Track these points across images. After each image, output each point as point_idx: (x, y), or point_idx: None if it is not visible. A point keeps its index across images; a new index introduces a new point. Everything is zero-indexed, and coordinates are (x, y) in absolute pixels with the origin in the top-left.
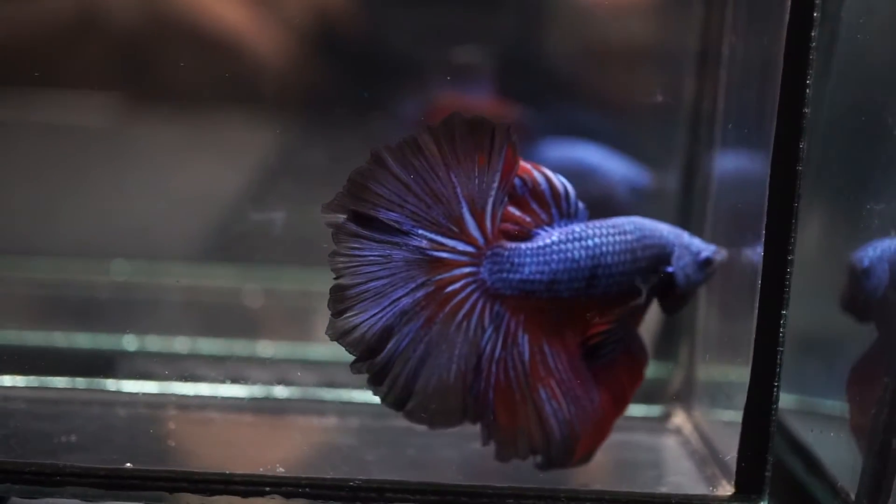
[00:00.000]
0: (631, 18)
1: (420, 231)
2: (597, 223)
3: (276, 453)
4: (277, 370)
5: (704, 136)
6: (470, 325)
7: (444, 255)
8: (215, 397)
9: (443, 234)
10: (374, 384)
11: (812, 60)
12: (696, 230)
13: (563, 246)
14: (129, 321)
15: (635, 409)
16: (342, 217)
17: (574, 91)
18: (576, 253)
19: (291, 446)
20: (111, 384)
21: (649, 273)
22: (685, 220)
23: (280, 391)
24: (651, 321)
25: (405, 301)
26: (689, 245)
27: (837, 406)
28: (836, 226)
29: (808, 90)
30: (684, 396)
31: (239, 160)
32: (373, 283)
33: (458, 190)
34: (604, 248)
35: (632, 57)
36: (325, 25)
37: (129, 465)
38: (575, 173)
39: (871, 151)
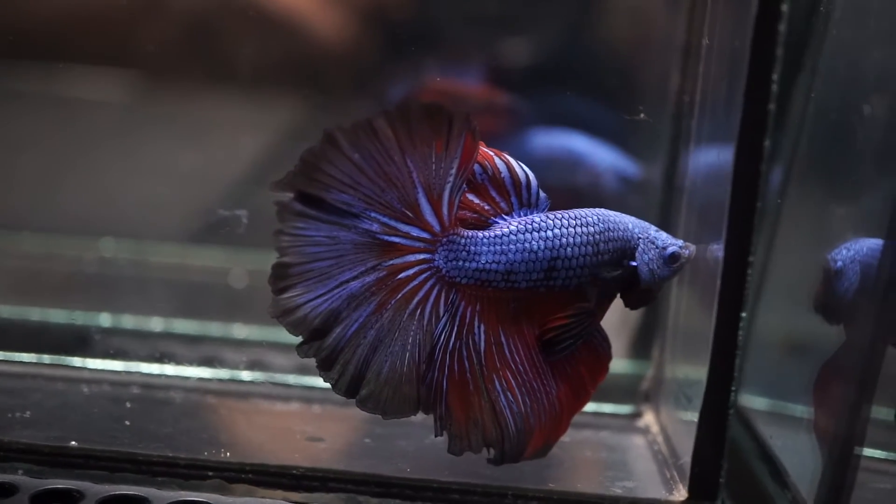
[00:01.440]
0: (618, 12)
1: (372, 214)
2: (558, 214)
3: (229, 437)
4: (250, 353)
5: (684, 130)
6: (424, 313)
7: (397, 239)
8: (182, 378)
9: (396, 219)
10: (324, 369)
11: (778, 56)
12: (674, 223)
13: (520, 236)
14: (107, 300)
15: (605, 407)
16: (289, 195)
17: (563, 82)
18: (534, 244)
19: (246, 431)
20: (77, 361)
21: (612, 266)
22: (666, 213)
23: (246, 375)
24: (631, 317)
25: (354, 285)
26: (655, 240)
27: (806, 412)
28: (818, 228)
29: (773, 86)
30: (653, 396)
31: (241, 141)
32: (318, 264)
33: (414, 175)
34: (564, 240)
35: (619, 48)
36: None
37: (73, 443)
38: (563, 161)
39: (853, 150)
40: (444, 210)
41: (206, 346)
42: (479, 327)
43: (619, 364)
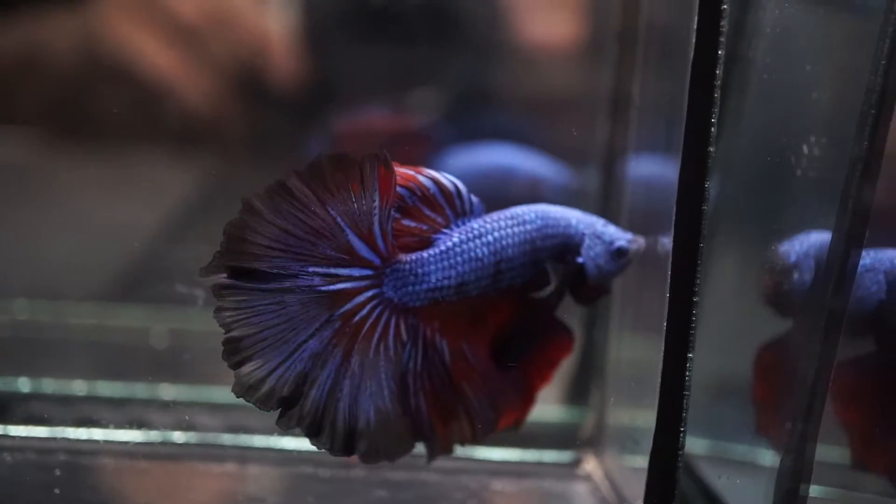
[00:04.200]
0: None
1: (310, 269)
2: (494, 216)
3: (167, 502)
4: (178, 414)
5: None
6: (388, 346)
7: (341, 285)
8: (110, 442)
9: (334, 266)
10: (313, 436)
11: (716, 99)
12: None
13: (465, 246)
14: (25, 363)
15: (546, 455)
16: (222, 276)
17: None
18: (478, 251)
19: (185, 495)
20: None
21: (555, 262)
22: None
23: (178, 436)
24: (564, 364)
25: (312, 343)
26: (601, 234)
27: (748, 452)
28: (747, 267)
29: (712, 128)
30: (596, 442)
31: (155, 198)
32: (269, 331)
33: (339, 220)
34: (504, 242)
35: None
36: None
37: None
38: (494, 176)
39: (779, 190)
40: (380, 242)
41: (133, 408)
42: (441, 343)
43: (557, 411)
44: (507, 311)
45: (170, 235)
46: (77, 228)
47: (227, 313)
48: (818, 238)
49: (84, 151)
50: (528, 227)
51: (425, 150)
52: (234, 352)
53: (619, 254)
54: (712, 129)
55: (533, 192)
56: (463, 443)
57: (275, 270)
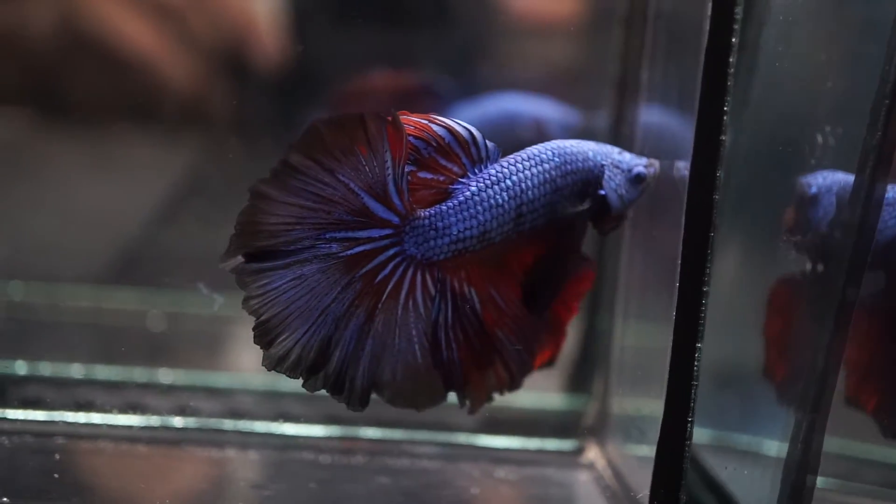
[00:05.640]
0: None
1: (327, 236)
2: (511, 159)
3: (169, 488)
4: (178, 398)
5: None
6: (417, 302)
7: (360, 248)
8: (109, 426)
9: (352, 230)
10: (335, 392)
11: (729, 87)
12: None
13: (483, 194)
14: (22, 346)
15: (548, 444)
16: (240, 260)
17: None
18: (498, 197)
19: (186, 481)
20: None
21: (578, 198)
22: None
23: (178, 421)
24: (566, 352)
25: (335, 307)
26: (619, 163)
27: (753, 442)
28: (752, 257)
29: (724, 118)
30: (598, 430)
31: (147, 180)
32: (295, 305)
33: (352, 185)
34: (523, 185)
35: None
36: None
37: (5, 499)
38: (502, 124)
39: (788, 181)
40: (396, 200)
41: (131, 392)
42: (470, 292)
43: (559, 399)
44: (532, 252)
45: (161, 218)
46: (67, 210)
47: (254, 301)
48: (842, 176)
49: (68, 132)
50: (547, 165)
51: (430, 106)
52: (265, 333)
53: (639, 180)
54: (724, 121)
55: (541, 134)
56: (501, 390)
57: (292, 245)
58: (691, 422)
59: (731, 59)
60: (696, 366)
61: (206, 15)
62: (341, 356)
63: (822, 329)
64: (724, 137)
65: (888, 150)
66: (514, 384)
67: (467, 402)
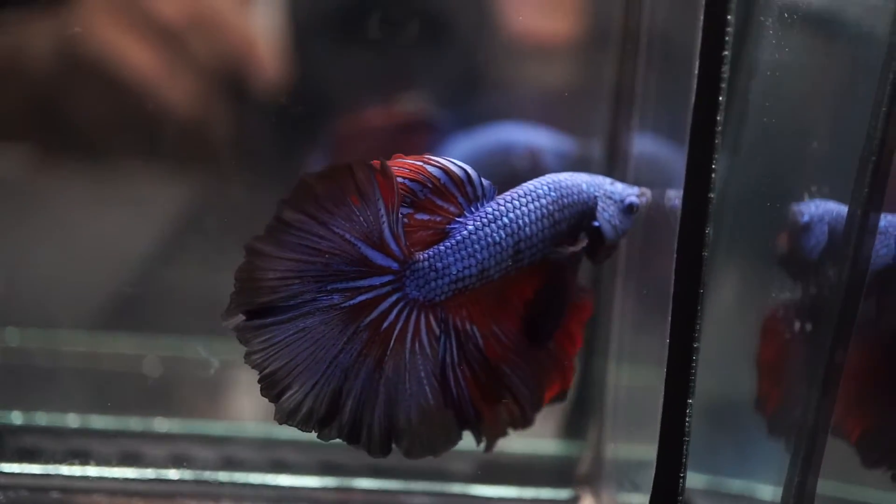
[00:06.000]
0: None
1: (328, 288)
2: (508, 196)
3: None
4: (174, 448)
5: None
6: (423, 344)
7: (362, 297)
8: (104, 479)
9: (352, 280)
10: (353, 442)
11: (717, 132)
12: None
13: (481, 233)
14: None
15: (543, 493)
16: (241, 318)
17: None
18: (495, 235)
19: None
20: None
21: (574, 231)
22: None
23: (173, 473)
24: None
25: (343, 358)
26: (612, 194)
27: (747, 487)
28: (744, 292)
29: (714, 164)
30: (593, 478)
31: (146, 216)
32: (300, 357)
33: (348, 236)
34: (520, 221)
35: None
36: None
37: None
38: (497, 154)
39: (777, 218)
40: (393, 246)
41: (126, 441)
42: (472, 329)
43: (554, 445)
44: (531, 286)
45: (161, 257)
46: (64, 250)
47: (256, 356)
48: (834, 206)
49: (68, 162)
50: (544, 201)
51: (426, 139)
52: (272, 386)
53: (631, 209)
54: (714, 165)
55: (536, 164)
56: (514, 426)
57: (292, 300)
58: (683, 477)
59: (722, 85)
60: (688, 421)
61: (206, 37)
62: (354, 405)
63: (816, 365)
64: (712, 195)
65: (875, 208)
66: (525, 420)
67: (483, 440)
